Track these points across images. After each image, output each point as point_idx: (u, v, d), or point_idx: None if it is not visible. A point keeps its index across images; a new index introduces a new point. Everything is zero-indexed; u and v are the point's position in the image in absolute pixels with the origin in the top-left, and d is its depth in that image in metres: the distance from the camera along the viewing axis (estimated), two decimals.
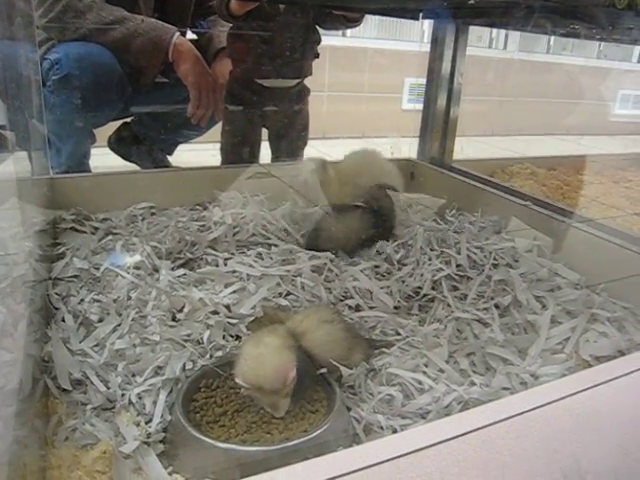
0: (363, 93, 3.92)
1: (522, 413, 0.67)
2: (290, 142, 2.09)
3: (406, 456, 0.59)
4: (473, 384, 0.93)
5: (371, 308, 1.17)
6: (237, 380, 0.81)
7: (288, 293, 1.18)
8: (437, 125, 2.12)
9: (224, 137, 2.06)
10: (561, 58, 4.37)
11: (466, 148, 2.23)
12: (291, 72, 1.94)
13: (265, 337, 0.85)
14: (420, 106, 2.17)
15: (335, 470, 0.56)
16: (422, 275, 1.28)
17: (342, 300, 1.19)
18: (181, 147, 2.35)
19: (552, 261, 1.37)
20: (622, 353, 1.02)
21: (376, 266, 1.33)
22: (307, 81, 2.03)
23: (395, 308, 1.19)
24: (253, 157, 2.05)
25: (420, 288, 1.25)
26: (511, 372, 0.96)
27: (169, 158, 2.34)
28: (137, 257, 1.26)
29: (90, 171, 1.89)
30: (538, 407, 0.68)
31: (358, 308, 1.17)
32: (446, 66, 2.06)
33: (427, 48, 2.10)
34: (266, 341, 0.84)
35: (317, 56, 2.01)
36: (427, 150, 2.13)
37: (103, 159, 2.17)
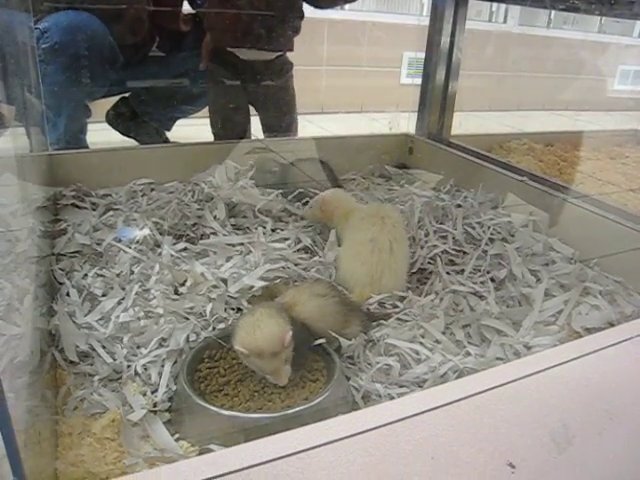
0: (362, 67, 3.91)
1: (514, 380, 0.71)
2: (278, 118, 2.10)
3: (403, 421, 0.63)
4: (468, 354, 0.97)
5: None
6: (236, 348, 0.83)
7: (289, 267, 1.20)
8: (435, 100, 2.13)
9: (211, 115, 2.07)
10: (561, 32, 4.35)
11: (464, 123, 2.24)
12: (269, 45, 1.93)
13: (259, 308, 0.89)
14: (419, 81, 2.17)
15: (335, 434, 0.60)
16: (422, 248, 1.31)
17: None
18: (180, 122, 2.35)
19: (547, 236, 1.39)
20: (613, 325, 1.05)
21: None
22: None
23: None
24: (243, 133, 2.07)
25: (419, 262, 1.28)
26: (505, 343, 1.00)
27: (167, 133, 2.35)
28: (145, 231, 1.29)
29: (87, 146, 1.90)
30: (529, 375, 0.72)
31: None
32: (445, 40, 2.06)
33: (426, 22, 2.10)
34: (260, 311, 0.87)
35: (298, 31, 2.00)
36: (425, 125, 2.14)
37: (101, 135, 2.18)
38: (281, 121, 2.12)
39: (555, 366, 0.74)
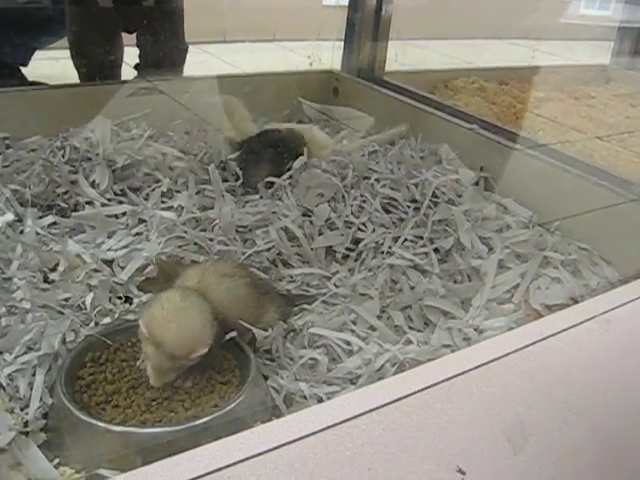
0: None
1: (463, 373, 0.75)
2: (160, 46, 2.06)
3: (333, 427, 0.66)
4: (409, 342, 1.01)
5: (303, 262, 1.23)
6: (140, 323, 0.85)
7: (195, 244, 1.22)
8: (366, 26, 2.13)
9: (71, 45, 2.02)
10: None
11: (402, 56, 2.27)
12: None
13: (192, 294, 0.90)
14: (345, 1, 2.17)
15: (253, 448, 0.62)
16: (351, 213, 1.34)
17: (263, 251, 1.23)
18: (38, 56, 2.27)
19: (501, 196, 1.46)
20: (576, 301, 1.12)
21: (304, 214, 1.36)
22: None
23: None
24: (114, 70, 2.03)
25: (349, 225, 1.31)
26: (453, 327, 1.05)
27: (23, 70, 2.26)
28: (8, 216, 1.25)
29: None
30: (481, 365, 0.76)
31: (286, 263, 1.22)
32: None
33: None
34: (193, 300, 0.88)
35: None
36: (354, 59, 2.14)
37: None
38: (164, 51, 2.08)
39: (510, 353, 0.78)
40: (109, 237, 1.22)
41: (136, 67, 2.17)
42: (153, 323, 0.85)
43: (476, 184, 1.50)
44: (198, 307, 0.88)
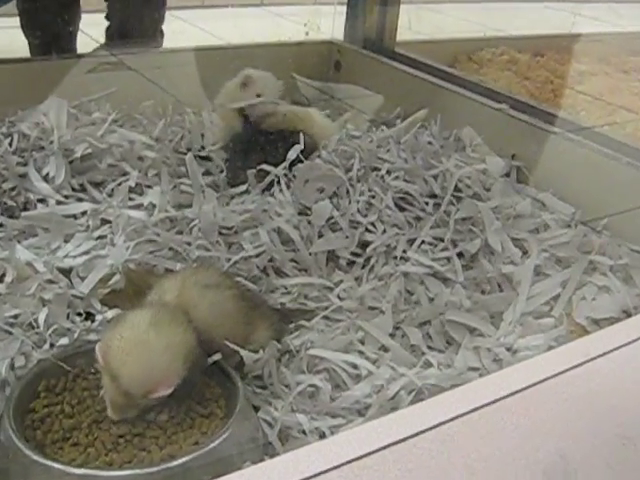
0: None
1: (494, 402, 0.75)
2: (133, 14, 2.07)
3: (339, 468, 0.65)
4: (429, 365, 1.01)
5: (300, 270, 1.23)
6: (96, 349, 0.85)
7: (170, 249, 1.21)
8: None
9: (21, 11, 2.03)
10: None
11: (416, 23, 2.26)
12: None
13: (167, 318, 0.89)
14: None
15: None
16: (357, 211, 1.34)
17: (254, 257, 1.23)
18: None
19: (537, 189, 1.46)
20: (629, 314, 1.11)
21: (301, 212, 1.36)
22: None
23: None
24: (69, 41, 2.04)
25: (355, 226, 1.30)
26: (480, 346, 1.05)
27: None
28: None
29: None
30: (515, 392, 0.76)
31: (280, 272, 1.22)
32: None
33: None
34: (164, 324, 0.88)
35: None
36: (359, 27, 2.14)
37: None
38: (138, 20, 2.09)
39: (550, 377, 0.78)
40: (66, 241, 1.22)
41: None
42: (109, 351, 0.85)
43: (507, 175, 1.50)
44: (169, 334, 0.88)
